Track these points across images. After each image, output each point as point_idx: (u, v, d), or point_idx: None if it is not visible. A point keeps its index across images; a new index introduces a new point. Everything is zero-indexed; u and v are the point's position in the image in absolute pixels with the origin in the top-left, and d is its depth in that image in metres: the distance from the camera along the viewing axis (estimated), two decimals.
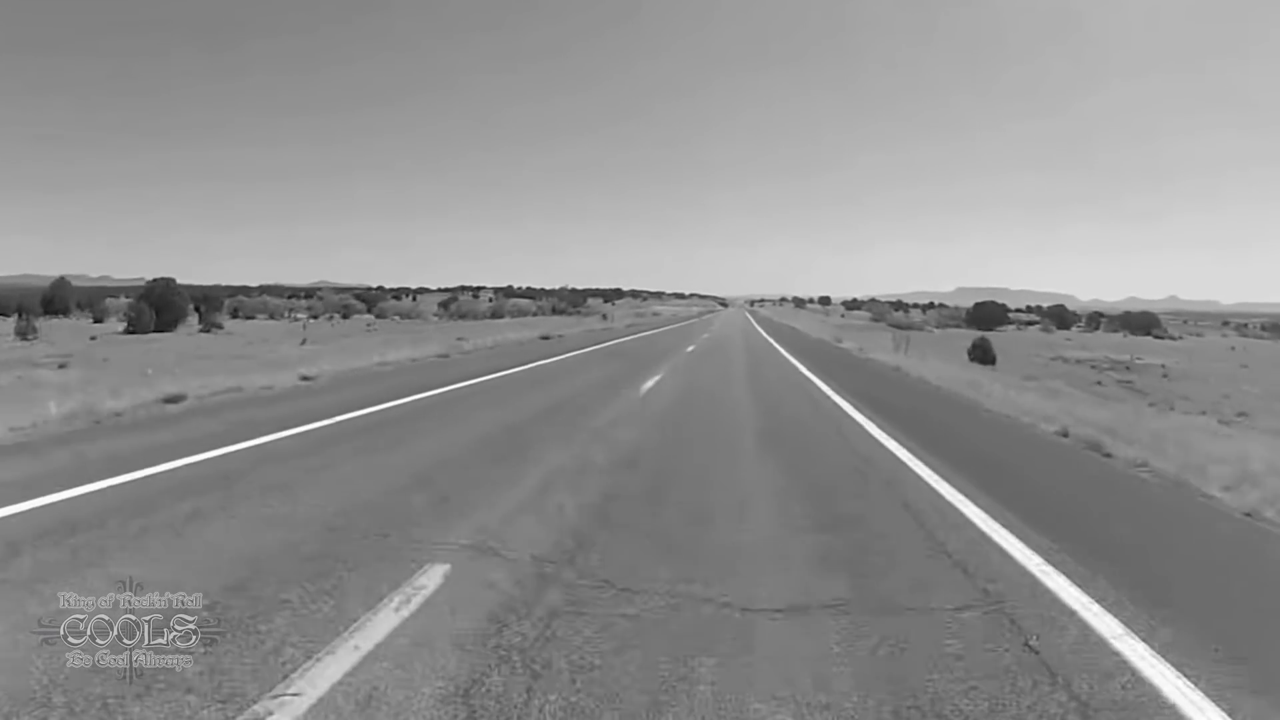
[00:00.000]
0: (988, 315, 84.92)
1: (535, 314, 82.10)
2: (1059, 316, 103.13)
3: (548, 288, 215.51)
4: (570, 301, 76.21)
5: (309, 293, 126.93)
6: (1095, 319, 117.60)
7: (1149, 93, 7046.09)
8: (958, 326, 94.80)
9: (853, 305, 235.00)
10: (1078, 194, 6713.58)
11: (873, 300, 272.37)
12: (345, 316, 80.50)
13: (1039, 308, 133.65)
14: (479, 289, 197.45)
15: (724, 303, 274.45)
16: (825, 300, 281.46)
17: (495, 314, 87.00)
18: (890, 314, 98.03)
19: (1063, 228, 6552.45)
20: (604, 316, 58.00)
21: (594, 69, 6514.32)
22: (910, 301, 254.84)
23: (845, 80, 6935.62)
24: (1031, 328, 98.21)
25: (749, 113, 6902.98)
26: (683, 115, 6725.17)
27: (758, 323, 57.96)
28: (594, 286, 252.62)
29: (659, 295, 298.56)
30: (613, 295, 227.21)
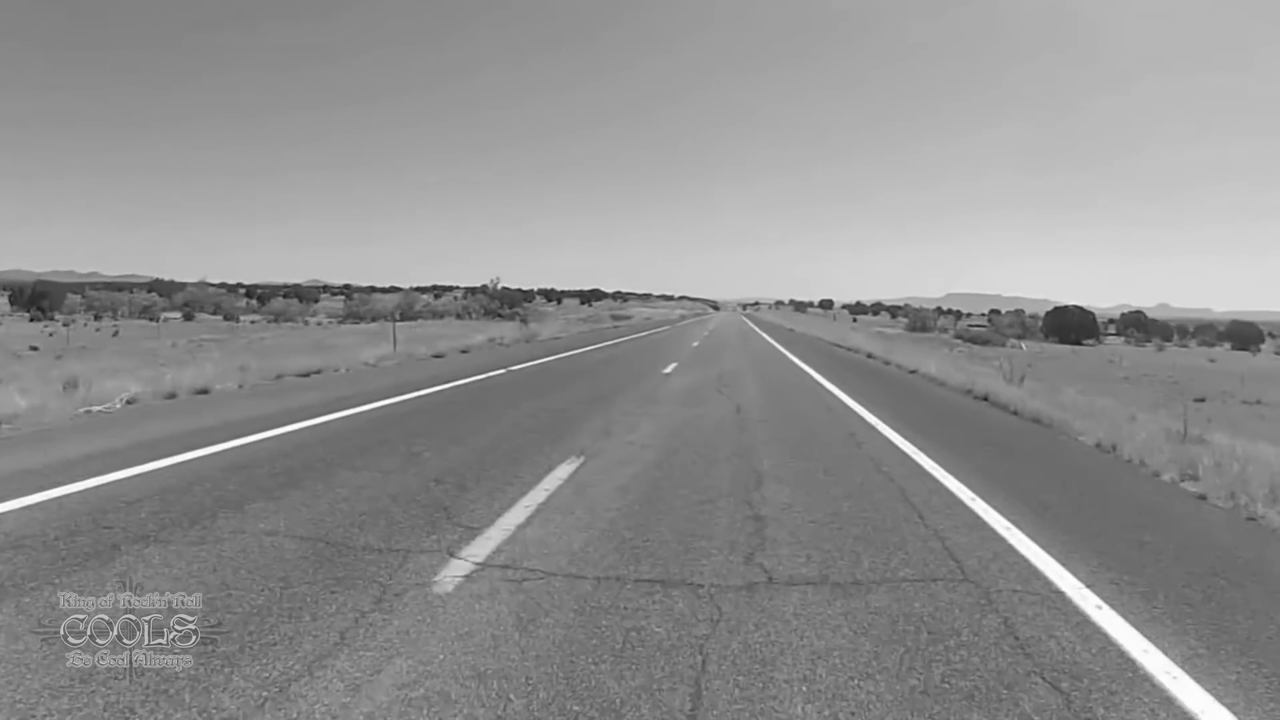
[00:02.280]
0: (1072, 325, 62.88)
1: (458, 316, 62.16)
2: (1140, 325, 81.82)
3: (531, 288, 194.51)
4: (505, 300, 53.14)
5: (158, 289, 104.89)
6: (1166, 329, 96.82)
7: (1146, 101, 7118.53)
8: (1019, 336, 73.69)
9: (857, 309, 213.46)
10: (1069, 201, 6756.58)
11: (878, 303, 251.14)
12: (189, 318, 58.75)
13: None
14: (450, 288, 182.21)
15: (715, 306, 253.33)
16: (827, 304, 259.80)
17: (404, 314, 63.93)
18: (932, 320, 75.63)
19: (1053, 235, 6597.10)
20: (523, 322, 36.79)
21: (587, 70, 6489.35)
22: (906, 307, 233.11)
23: (841, 86, 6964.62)
24: (1110, 339, 77.67)
25: (745, 116, 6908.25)
26: (679, 117, 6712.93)
27: (781, 342, 28.04)
28: (573, 288, 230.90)
29: (646, 297, 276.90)
30: (591, 296, 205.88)
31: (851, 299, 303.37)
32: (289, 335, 29.99)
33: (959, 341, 49.41)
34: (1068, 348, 58.00)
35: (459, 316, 63.64)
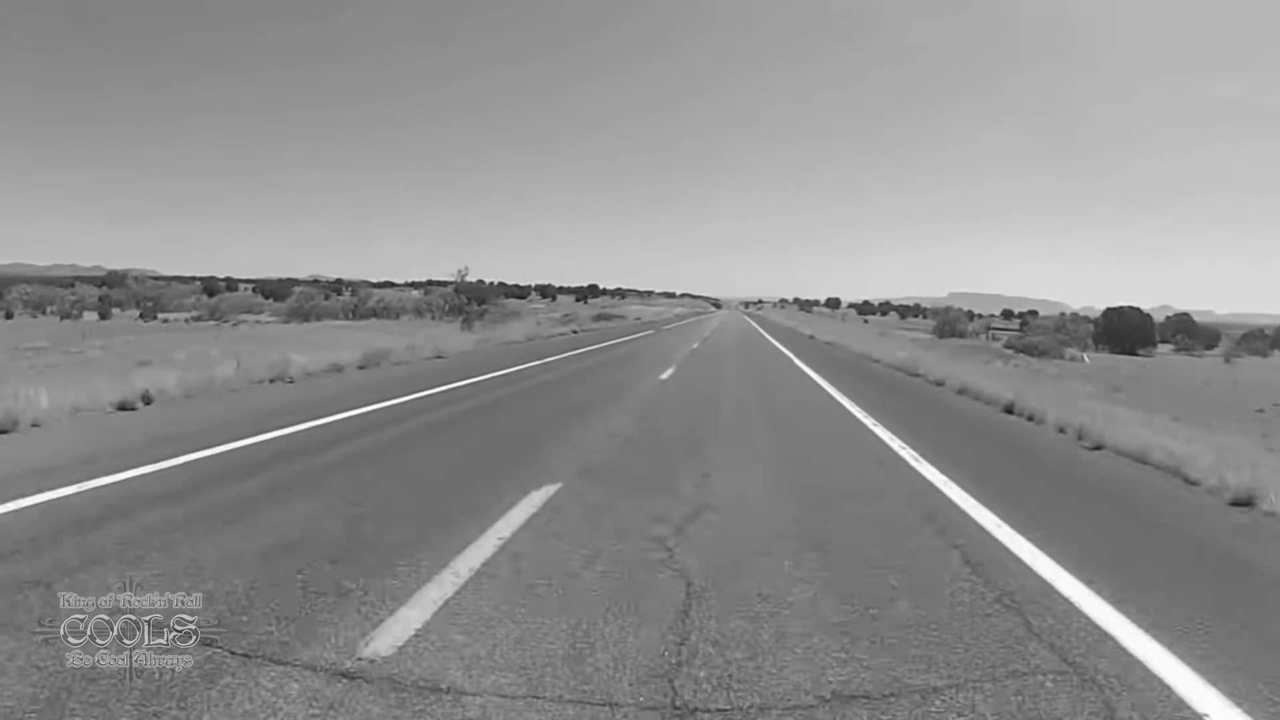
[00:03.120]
0: (1129, 330, 54.34)
1: (418, 314, 55.31)
2: (1189, 330, 73.30)
3: (527, 284, 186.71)
4: (473, 296, 44.19)
5: (110, 282, 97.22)
6: (1213, 335, 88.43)
7: (1147, 106, 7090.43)
8: (1064, 344, 65.41)
9: (865, 309, 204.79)
10: (1071, 204, 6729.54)
11: (886, 303, 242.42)
12: (104, 316, 51.00)
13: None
14: (444, 283, 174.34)
15: (717, 304, 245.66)
16: (834, 303, 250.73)
17: (356, 312, 55.72)
18: (964, 323, 67.09)
19: (1055, 237, 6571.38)
20: (467, 325, 28.62)
21: (588, 70, 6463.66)
22: (904, 307, 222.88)
23: (842, 86, 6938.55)
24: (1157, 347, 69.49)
25: (746, 117, 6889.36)
26: (680, 119, 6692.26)
27: (821, 372, 16.48)
28: (574, 284, 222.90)
29: (647, 294, 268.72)
30: (587, 293, 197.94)
31: (855, 298, 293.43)
32: (137, 342, 21.90)
33: (1010, 351, 41.43)
34: (1129, 358, 49.74)
35: (419, 314, 55.91)
